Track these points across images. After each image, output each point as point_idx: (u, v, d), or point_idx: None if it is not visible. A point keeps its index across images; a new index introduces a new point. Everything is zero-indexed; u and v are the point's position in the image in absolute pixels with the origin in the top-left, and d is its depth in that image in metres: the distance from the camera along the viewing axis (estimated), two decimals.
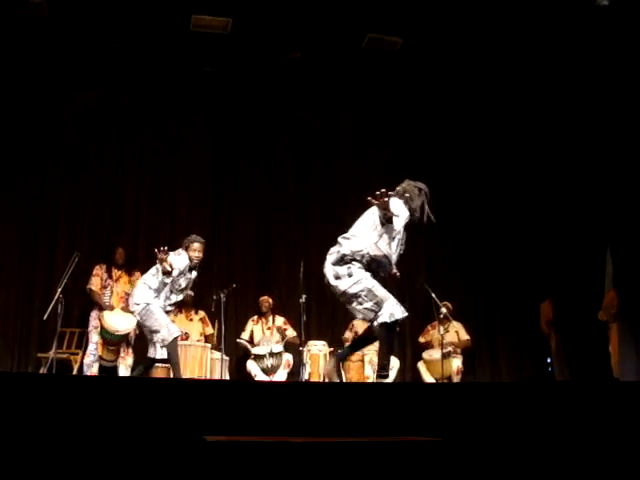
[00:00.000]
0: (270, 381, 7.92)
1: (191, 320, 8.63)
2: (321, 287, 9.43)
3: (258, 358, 8.34)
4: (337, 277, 5.22)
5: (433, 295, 8.26)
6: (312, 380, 7.99)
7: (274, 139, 9.85)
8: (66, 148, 9.16)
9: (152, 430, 3.58)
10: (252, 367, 8.34)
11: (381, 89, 9.79)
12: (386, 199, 4.91)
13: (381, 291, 5.16)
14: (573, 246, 9.01)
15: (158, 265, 6.75)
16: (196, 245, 7.00)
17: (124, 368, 7.82)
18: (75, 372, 7.86)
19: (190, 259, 6.94)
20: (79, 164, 9.20)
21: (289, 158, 9.89)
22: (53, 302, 7.21)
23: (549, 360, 9.12)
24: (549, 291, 8.87)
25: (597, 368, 7.95)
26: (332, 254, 5.28)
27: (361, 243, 5.19)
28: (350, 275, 5.17)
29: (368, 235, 5.21)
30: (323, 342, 8.56)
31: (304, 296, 7.66)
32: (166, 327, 6.67)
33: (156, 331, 6.65)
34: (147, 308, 6.70)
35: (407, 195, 5.38)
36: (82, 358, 7.96)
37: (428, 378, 8.66)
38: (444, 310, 8.43)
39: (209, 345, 8.11)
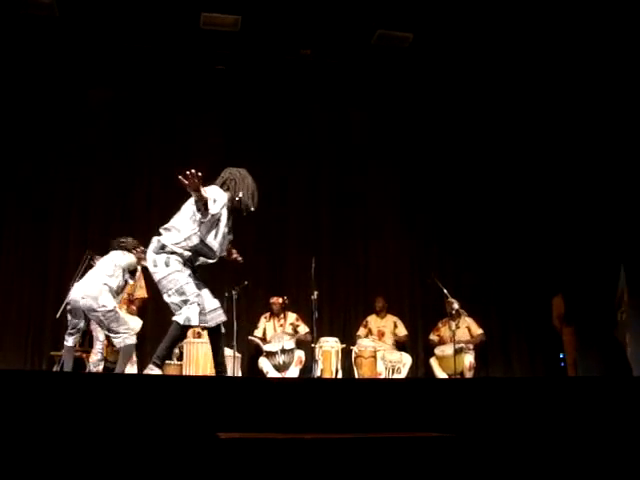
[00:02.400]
0: (282, 378, 7.92)
1: None
2: (333, 284, 9.56)
3: (270, 355, 8.35)
4: (155, 265, 5.19)
5: (445, 291, 8.24)
6: (324, 377, 7.99)
7: (285, 136, 9.84)
8: (79, 147, 9.20)
9: (165, 427, 3.59)
10: (264, 364, 8.35)
11: (391, 85, 9.79)
12: (197, 180, 4.83)
13: (191, 291, 5.13)
14: (584, 240, 8.99)
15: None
16: (141, 247, 6.90)
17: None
18: (88, 370, 7.87)
19: (139, 259, 6.90)
20: (91, 163, 9.23)
21: (300, 155, 9.89)
22: (65, 301, 7.23)
23: (561, 356, 9.08)
24: (561, 286, 8.84)
25: (615, 362, 7.93)
26: (153, 243, 5.27)
27: (180, 235, 5.18)
28: (167, 265, 5.15)
29: (187, 226, 5.21)
30: (335, 339, 8.56)
31: (316, 293, 7.65)
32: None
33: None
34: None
35: (228, 181, 5.38)
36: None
37: (440, 374, 8.64)
38: (456, 306, 8.41)
39: None
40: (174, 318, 5.14)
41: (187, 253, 5.18)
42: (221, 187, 5.36)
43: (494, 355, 9.62)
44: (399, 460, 3.14)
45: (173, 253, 5.16)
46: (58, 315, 7.34)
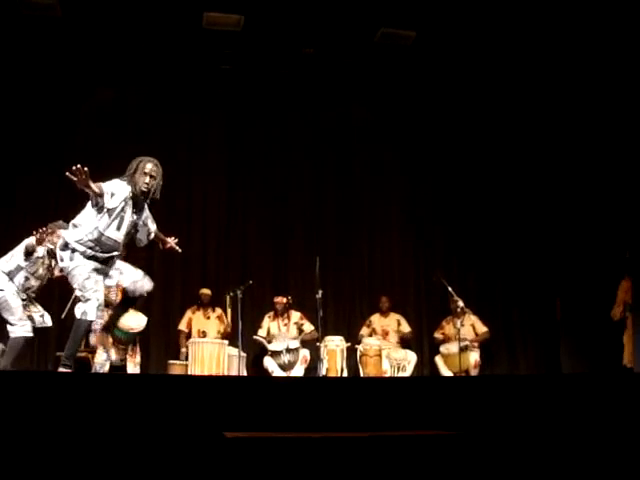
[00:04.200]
0: (287, 377, 7.92)
1: (208, 318, 8.66)
2: (338, 283, 9.56)
3: (275, 354, 8.35)
4: (62, 260, 5.32)
5: (449, 289, 8.23)
6: (329, 375, 7.99)
7: (288, 135, 9.84)
8: (82, 146, 9.19)
9: (172, 427, 3.60)
10: (269, 364, 8.35)
11: (395, 84, 9.79)
12: (84, 176, 4.94)
13: (89, 287, 5.23)
14: (589, 237, 8.98)
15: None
16: (60, 232, 6.79)
17: (132, 366, 7.80)
18: (94, 370, 7.88)
19: (52, 243, 6.83)
20: (95, 162, 9.21)
21: (304, 154, 9.88)
22: (70, 301, 7.23)
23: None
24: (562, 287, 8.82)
25: (610, 359, 7.92)
26: (60, 239, 5.44)
27: (81, 232, 5.26)
28: (71, 259, 5.26)
29: (89, 221, 5.28)
30: (340, 337, 8.55)
31: (320, 291, 7.65)
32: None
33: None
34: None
35: (129, 172, 5.43)
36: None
37: (446, 372, 8.64)
38: (461, 304, 8.39)
39: (226, 342, 8.13)
40: (75, 313, 5.28)
41: (89, 251, 5.27)
42: (123, 179, 5.43)
43: (499, 353, 9.60)
44: (405, 458, 3.15)
45: (75, 251, 5.26)
46: (63, 315, 7.35)
